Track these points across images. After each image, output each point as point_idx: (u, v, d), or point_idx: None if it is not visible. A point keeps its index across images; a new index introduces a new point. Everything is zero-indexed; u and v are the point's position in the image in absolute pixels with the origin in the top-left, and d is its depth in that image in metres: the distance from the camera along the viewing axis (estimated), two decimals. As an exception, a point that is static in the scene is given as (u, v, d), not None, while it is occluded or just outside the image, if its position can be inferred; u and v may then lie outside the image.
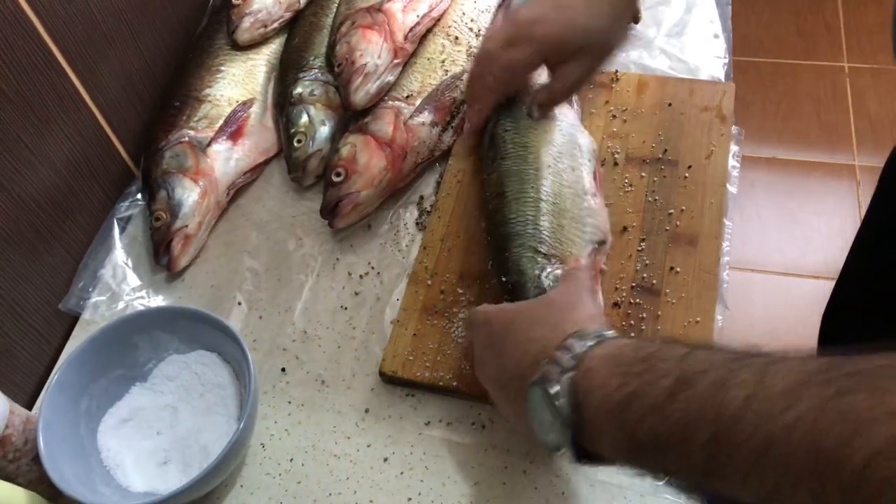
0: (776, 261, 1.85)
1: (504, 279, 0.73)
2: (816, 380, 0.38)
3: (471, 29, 0.95)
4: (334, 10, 0.97)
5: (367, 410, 0.73)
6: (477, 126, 0.83)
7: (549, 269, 0.71)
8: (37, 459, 0.66)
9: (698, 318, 0.72)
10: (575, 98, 0.87)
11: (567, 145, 0.80)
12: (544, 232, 0.73)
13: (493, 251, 0.77)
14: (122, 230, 0.88)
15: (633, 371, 0.47)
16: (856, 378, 0.37)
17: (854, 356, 0.38)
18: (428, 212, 0.86)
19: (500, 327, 0.62)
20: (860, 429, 0.35)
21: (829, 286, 1.08)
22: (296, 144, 0.88)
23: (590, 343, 0.51)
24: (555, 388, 0.50)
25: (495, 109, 0.83)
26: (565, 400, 0.50)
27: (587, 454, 0.51)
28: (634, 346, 0.49)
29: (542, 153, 0.78)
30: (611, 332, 0.53)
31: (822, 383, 0.38)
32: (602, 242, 0.75)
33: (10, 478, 0.64)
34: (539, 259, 0.71)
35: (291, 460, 0.71)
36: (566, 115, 0.83)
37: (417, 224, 0.86)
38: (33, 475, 0.67)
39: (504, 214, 0.76)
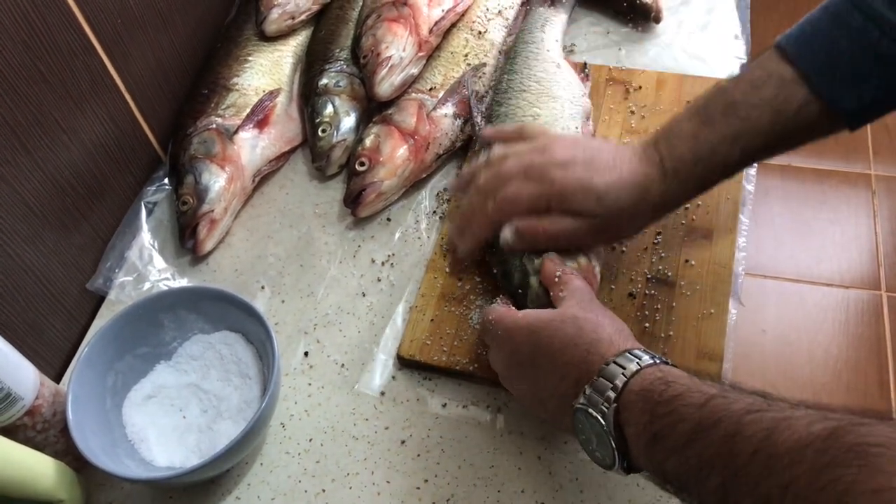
0: (790, 268, 1.85)
1: (494, 270, 0.76)
2: (817, 445, 0.41)
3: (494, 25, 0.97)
4: (360, 3, 0.98)
5: (384, 394, 0.75)
6: (469, 251, 0.76)
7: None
8: (64, 431, 0.67)
9: (712, 310, 0.73)
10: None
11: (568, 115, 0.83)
12: None
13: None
14: (149, 213, 0.90)
15: (659, 412, 0.51)
16: (853, 452, 0.40)
17: (861, 425, 0.41)
18: (448, 201, 0.88)
19: (528, 347, 0.63)
20: (842, 501, 0.38)
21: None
22: (320, 134, 0.90)
23: (628, 373, 0.55)
24: (602, 416, 0.55)
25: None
26: (610, 427, 0.54)
27: (635, 468, 0.55)
28: (664, 384, 0.53)
29: None
30: (644, 355, 0.56)
31: (821, 451, 0.41)
32: None
33: (38, 448, 0.65)
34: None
35: (311, 440, 0.73)
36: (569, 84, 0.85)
37: (436, 213, 0.87)
38: (60, 446, 0.69)
39: None
